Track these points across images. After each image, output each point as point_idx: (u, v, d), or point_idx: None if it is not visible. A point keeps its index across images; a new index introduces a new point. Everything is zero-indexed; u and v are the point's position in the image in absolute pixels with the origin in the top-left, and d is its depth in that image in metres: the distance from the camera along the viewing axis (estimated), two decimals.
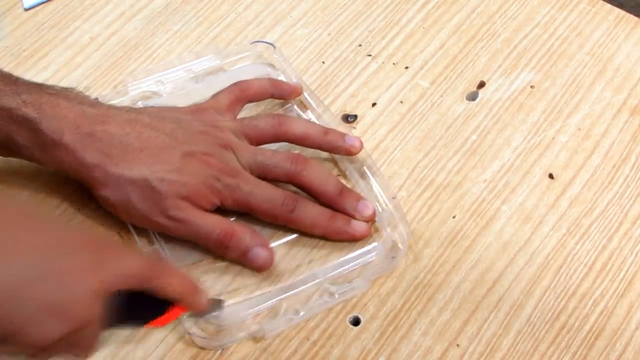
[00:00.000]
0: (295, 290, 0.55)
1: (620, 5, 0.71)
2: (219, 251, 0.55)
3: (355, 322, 0.54)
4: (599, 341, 0.54)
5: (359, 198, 0.58)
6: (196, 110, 0.59)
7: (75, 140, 0.54)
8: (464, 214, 0.59)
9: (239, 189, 0.55)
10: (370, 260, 0.56)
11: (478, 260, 0.57)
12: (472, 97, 0.65)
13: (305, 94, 0.64)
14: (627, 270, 0.57)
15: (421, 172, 0.61)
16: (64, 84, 0.65)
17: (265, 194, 0.56)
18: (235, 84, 0.62)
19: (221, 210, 0.56)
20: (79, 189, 0.57)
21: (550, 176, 0.61)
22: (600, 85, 0.66)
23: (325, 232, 0.57)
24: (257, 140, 0.59)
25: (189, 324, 0.52)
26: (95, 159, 0.54)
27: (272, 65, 0.66)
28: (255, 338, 0.53)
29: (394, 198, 0.58)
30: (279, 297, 0.54)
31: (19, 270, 0.39)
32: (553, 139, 0.63)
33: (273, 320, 0.53)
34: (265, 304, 0.54)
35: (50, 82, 0.65)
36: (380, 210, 0.58)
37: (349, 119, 0.64)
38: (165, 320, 0.48)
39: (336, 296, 0.54)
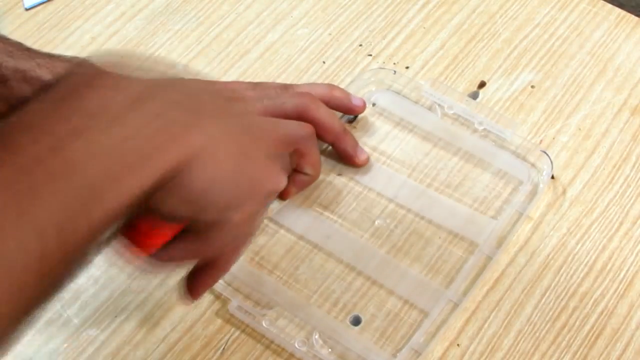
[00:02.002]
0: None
1: (621, 6, 0.71)
2: None
3: (356, 321, 0.54)
4: (599, 341, 0.54)
5: (357, 142, 0.61)
6: (209, 81, 0.60)
7: None
8: None
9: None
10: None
11: (478, 260, 0.57)
12: (473, 96, 0.65)
13: None
14: (627, 270, 0.57)
15: (422, 172, 0.61)
16: None
17: (274, 123, 0.55)
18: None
19: None
20: None
21: (551, 176, 0.61)
22: (601, 85, 0.66)
23: (337, 138, 0.59)
24: (277, 116, 0.58)
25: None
26: None
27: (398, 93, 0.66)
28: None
29: None
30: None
31: (240, 125, 0.42)
32: (553, 138, 0.63)
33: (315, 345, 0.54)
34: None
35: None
36: None
37: (350, 119, 0.64)
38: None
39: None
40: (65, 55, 0.57)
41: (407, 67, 0.67)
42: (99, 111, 0.34)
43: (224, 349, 0.53)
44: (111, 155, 0.34)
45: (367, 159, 0.61)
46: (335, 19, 0.71)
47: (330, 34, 0.70)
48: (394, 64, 0.67)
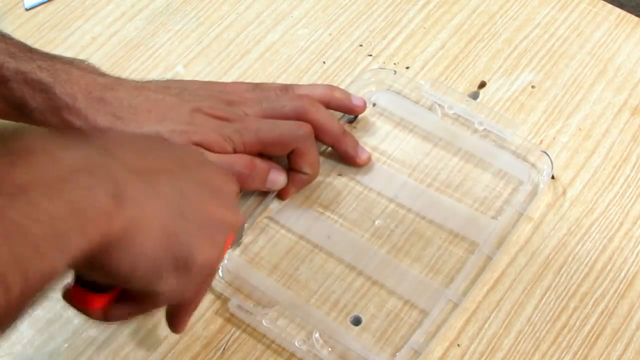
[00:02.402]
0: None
1: (621, 6, 0.71)
2: (242, 184, 0.56)
3: (356, 321, 0.54)
4: (599, 341, 0.54)
5: (357, 143, 0.61)
6: (207, 82, 0.61)
7: (87, 105, 0.55)
8: None
9: (247, 129, 0.56)
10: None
11: (478, 260, 0.57)
12: (473, 97, 0.65)
13: None
14: (627, 270, 0.57)
15: (422, 172, 0.61)
16: None
17: (272, 124, 0.57)
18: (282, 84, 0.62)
19: None
20: None
21: (551, 176, 0.61)
22: (601, 86, 0.66)
23: (336, 140, 0.59)
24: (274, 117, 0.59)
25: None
26: (106, 122, 0.55)
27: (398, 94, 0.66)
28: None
29: None
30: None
31: (176, 186, 0.41)
32: (554, 139, 0.63)
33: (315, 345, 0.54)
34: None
35: None
36: None
37: (350, 119, 0.64)
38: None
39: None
40: (66, 57, 0.57)
41: (407, 67, 0.67)
42: (34, 180, 0.34)
43: (224, 348, 0.53)
44: (43, 223, 0.33)
45: (369, 158, 0.61)
46: (336, 19, 0.71)
47: (330, 34, 0.70)
48: (394, 64, 0.67)
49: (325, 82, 0.66)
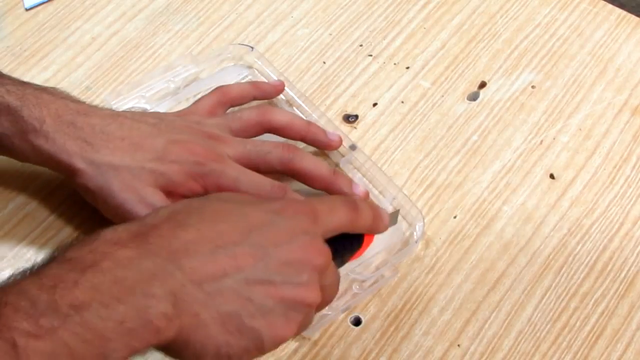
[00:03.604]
0: None
1: (621, 6, 0.71)
2: None
3: (357, 322, 0.54)
4: (600, 341, 0.54)
5: (350, 180, 0.58)
6: (179, 113, 0.59)
7: (55, 129, 0.53)
8: (465, 214, 0.59)
9: (225, 174, 0.54)
10: (391, 245, 0.57)
11: (479, 260, 0.57)
12: (473, 97, 0.65)
13: (299, 99, 0.64)
14: (628, 271, 0.57)
15: (422, 173, 0.61)
16: (65, 83, 0.66)
17: (252, 181, 0.55)
18: (216, 88, 0.61)
19: None
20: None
21: (551, 176, 0.61)
22: (601, 86, 0.66)
23: (328, 184, 0.57)
24: (243, 132, 0.58)
25: None
26: (75, 147, 0.53)
27: (250, 67, 0.66)
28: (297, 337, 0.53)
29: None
30: None
31: (242, 282, 0.42)
32: (554, 139, 0.63)
33: None
34: None
35: (51, 82, 0.66)
36: (391, 201, 0.59)
37: (350, 119, 0.64)
38: (362, 251, 0.51)
39: (365, 287, 0.54)
40: (38, 84, 0.56)
41: (407, 68, 0.67)
42: (91, 299, 0.37)
43: None
44: (91, 343, 0.36)
45: (367, 194, 0.58)
46: (336, 19, 0.71)
47: (330, 34, 0.70)
48: (395, 64, 0.67)
49: (325, 82, 0.66)
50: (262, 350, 0.42)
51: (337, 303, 0.53)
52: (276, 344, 0.43)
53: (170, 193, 0.54)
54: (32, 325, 0.35)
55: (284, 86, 0.63)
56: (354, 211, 0.48)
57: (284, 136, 0.59)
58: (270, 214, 0.45)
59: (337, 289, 0.47)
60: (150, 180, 0.53)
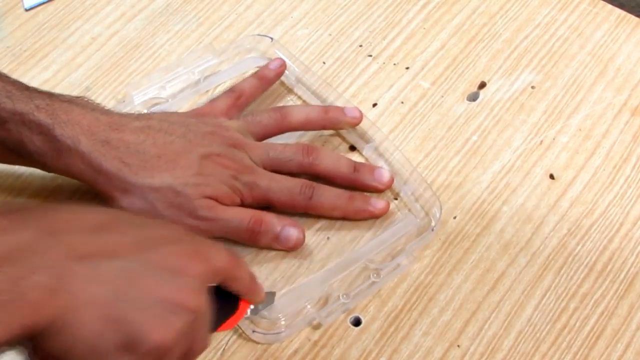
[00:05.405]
0: (342, 274, 0.56)
1: (621, 6, 0.71)
2: (251, 240, 0.56)
3: (356, 322, 0.54)
4: (600, 342, 0.54)
5: (373, 168, 0.60)
6: (197, 113, 0.60)
7: (91, 148, 0.53)
8: (464, 214, 0.59)
9: (257, 185, 0.56)
10: (407, 232, 0.57)
11: (479, 261, 0.57)
12: (473, 97, 0.65)
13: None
14: (628, 271, 0.57)
15: (422, 173, 0.61)
16: (65, 84, 0.66)
17: (282, 186, 0.57)
18: (230, 90, 0.63)
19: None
20: (90, 198, 0.57)
21: (551, 177, 0.61)
22: (601, 86, 0.66)
23: (345, 213, 0.58)
24: (263, 135, 0.60)
25: (248, 324, 0.53)
26: (113, 168, 0.54)
27: (270, 58, 0.66)
28: (313, 325, 0.54)
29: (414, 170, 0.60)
30: (327, 283, 0.55)
31: (123, 269, 0.39)
32: (554, 139, 0.63)
33: (326, 307, 0.54)
34: (315, 291, 0.55)
35: (51, 82, 0.66)
36: (403, 183, 0.59)
37: None
38: (235, 320, 0.48)
39: (382, 275, 0.55)
40: (65, 95, 0.56)
41: (407, 68, 0.67)
42: None
43: (223, 349, 0.53)
44: None
45: (392, 180, 0.59)
46: (336, 19, 0.71)
47: (330, 35, 0.70)
48: (394, 64, 0.67)
49: (325, 82, 0.66)
50: (136, 353, 0.39)
51: (354, 290, 0.54)
52: (152, 347, 0.39)
53: (219, 201, 0.55)
54: None
55: (285, 66, 0.65)
56: (236, 260, 0.46)
57: (304, 131, 0.62)
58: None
59: (207, 343, 0.44)
60: (198, 193, 0.54)
